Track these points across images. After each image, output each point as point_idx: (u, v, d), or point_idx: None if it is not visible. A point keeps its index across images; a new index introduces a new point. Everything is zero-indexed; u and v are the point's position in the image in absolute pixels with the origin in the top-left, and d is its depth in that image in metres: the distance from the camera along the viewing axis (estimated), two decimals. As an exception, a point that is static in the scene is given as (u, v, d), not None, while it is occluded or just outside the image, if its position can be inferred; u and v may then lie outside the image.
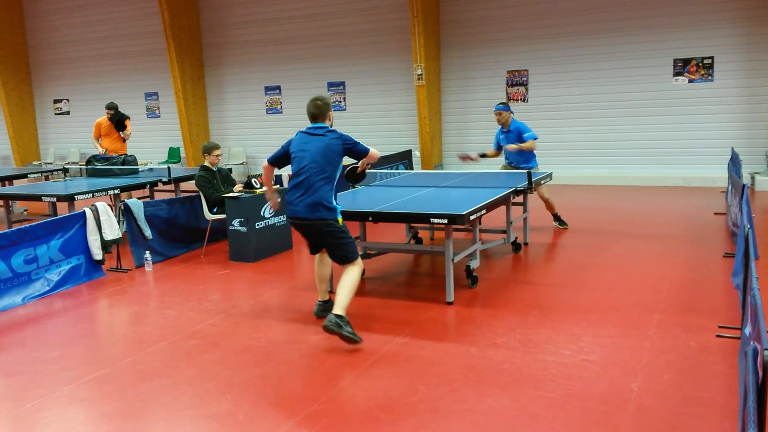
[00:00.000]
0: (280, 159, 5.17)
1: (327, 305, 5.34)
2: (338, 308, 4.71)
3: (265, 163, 5.24)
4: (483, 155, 8.35)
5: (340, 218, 4.90)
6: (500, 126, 8.30)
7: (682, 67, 12.21)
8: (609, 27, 12.61)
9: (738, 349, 4.27)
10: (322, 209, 4.81)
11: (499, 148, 8.42)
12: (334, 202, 4.90)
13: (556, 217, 8.54)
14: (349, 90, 15.18)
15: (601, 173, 12.84)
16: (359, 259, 4.96)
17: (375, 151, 5.07)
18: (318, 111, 5.05)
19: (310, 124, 5.06)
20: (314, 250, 5.32)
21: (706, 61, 12.03)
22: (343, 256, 4.91)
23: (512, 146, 8.07)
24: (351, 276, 4.85)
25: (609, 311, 5.24)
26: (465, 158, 8.41)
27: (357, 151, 5.01)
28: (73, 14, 17.88)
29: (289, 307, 5.77)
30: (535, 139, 8.11)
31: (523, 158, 8.24)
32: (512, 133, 8.16)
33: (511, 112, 8.26)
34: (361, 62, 14.88)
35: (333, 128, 5.07)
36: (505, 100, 8.50)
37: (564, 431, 3.41)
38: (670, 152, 12.45)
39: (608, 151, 12.93)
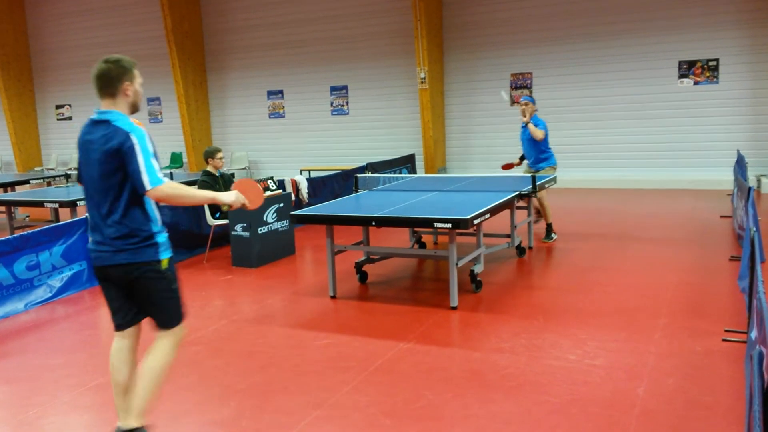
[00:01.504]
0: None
1: None
2: (132, 417, 3.28)
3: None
4: (522, 157, 8.42)
5: (164, 258, 3.32)
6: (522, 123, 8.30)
7: (687, 69, 12.18)
8: (613, 30, 12.59)
9: (744, 353, 4.23)
10: (129, 246, 3.19)
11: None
12: (152, 231, 3.27)
13: (549, 228, 8.14)
14: (352, 94, 15.18)
15: (607, 176, 12.80)
16: (179, 327, 3.37)
17: (165, 190, 3.13)
18: (105, 80, 3.24)
19: (98, 108, 3.31)
20: (121, 320, 3.35)
21: (711, 63, 12.00)
22: (165, 318, 3.32)
23: (527, 120, 8.02)
24: (161, 354, 3.29)
25: (614, 315, 5.21)
26: (508, 167, 8.42)
27: (130, 170, 3.11)
28: (75, 20, 17.93)
29: (293, 312, 5.75)
30: (544, 130, 8.01)
31: (541, 154, 8.12)
32: (527, 130, 8.21)
33: (535, 107, 8.23)
34: (363, 66, 14.88)
35: (124, 116, 3.23)
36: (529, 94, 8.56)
37: (569, 437, 3.38)
38: (675, 155, 12.41)
39: (613, 153, 12.89)
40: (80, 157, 3.35)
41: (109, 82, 3.23)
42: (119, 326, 3.36)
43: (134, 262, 3.22)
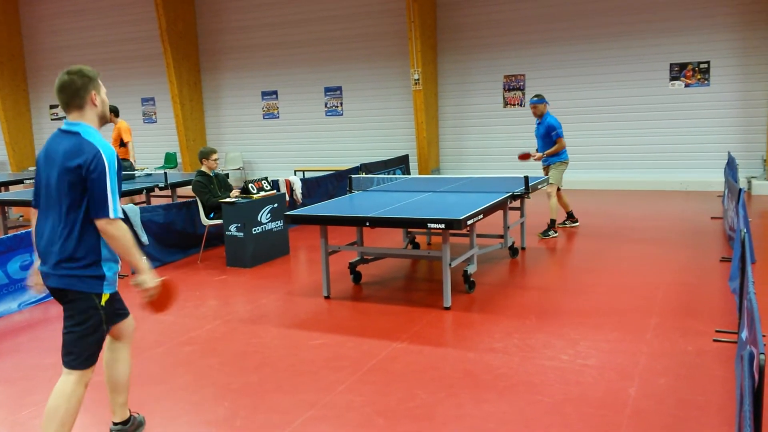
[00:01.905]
0: (36, 193, 3.20)
1: (128, 427, 3.52)
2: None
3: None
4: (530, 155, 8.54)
5: (105, 293, 3.09)
6: (536, 117, 8.52)
7: (678, 71, 12.25)
8: (605, 32, 12.65)
9: (735, 354, 4.27)
10: (67, 270, 2.99)
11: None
12: (100, 259, 3.06)
13: (551, 224, 8.38)
14: (346, 95, 15.20)
15: (598, 178, 12.85)
16: (89, 370, 3.15)
17: (121, 226, 3.00)
18: (70, 92, 3.07)
19: (66, 120, 3.17)
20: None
21: (702, 66, 12.07)
22: (70, 355, 3.10)
23: (539, 155, 8.42)
24: (62, 393, 3.09)
25: (606, 315, 5.24)
26: (524, 157, 8.51)
27: (94, 192, 2.94)
28: (69, 19, 17.88)
29: (287, 312, 5.76)
30: (562, 136, 8.30)
31: (554, 155, 8.42)
32: (542, 125, 8.40)
33: (547, 104, 8.43)
34: (358, 67, 14.90)
35: (95, 130, 3.11)
36: (540, 94, 8.63)
37: (561, 436, 3.41)
38: (666, 156, 12.47)
39: (605, 155, 12.95)
40: (41, 167, 3.12)
41: (75, 93, 3.05)
42: None
43: (73, 289, 3.01)
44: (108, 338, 3.37)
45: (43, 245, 3.06)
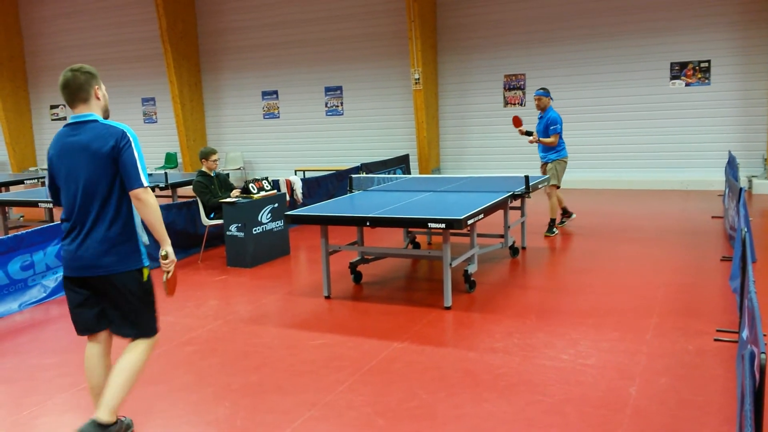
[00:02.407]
0: (54, 190, 3.43)
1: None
2: (105, 411, 3.27)
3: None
4: (529, 133, 8.53)
5: (146, 267, 3.41)
6: (539, 110, 8.53)
7: (678, 70, 12.24)
8: (605, 31, 12.64)
9: (735, 353, 4.27)
10: (113, 255, 3.25)
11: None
12: (137, 242, 3.39)
13: (551, 223, 8.41)
14: (346, 94, 15.20)
15: (599, 177, 12.85)
16: (157, 335, 3.50)
17: (150, 193, 3.26)
18: (74, 87, 3.24)
19: (73, 114, 3.30)
20: (87, 327, 3.43)
21: (702, 65, 12.07)
22: (141, 327, 3.39)
23: (533, 139, 8.41)
24: (134, 357, 3.35)
25: (607, 315, 5.24)
26: (517, 123, 8.56)
27: (126, 166, 3.17)
28: (69, 20, 17.89)
29: (287, 312, 5.76)
30: (558, 133, 8.31)
31: (553, 151, 8.41)
32: (542, 120, 8.39)
33: (551, 99, 8.44)
34: (358, 67, 14.90)
35: (109, 121, 3.33)
36: (546, 87, 8.64)
37: (562, 436, 3.40)
38: (667, 156, 12.47)
39: (606, 154, 12.94)
40: (60, 162, 3.26)
41: (80, 87, 3.25)
42: (90, 331, 3.44)
43: (123, 270, 3.29)
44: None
45: (81, 237, 3.23)
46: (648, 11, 12.28)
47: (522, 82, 13.51)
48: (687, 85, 12.22)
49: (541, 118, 8.47)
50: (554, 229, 8.39)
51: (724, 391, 3.80)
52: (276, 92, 15.97)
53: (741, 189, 6.49)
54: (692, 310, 5.29)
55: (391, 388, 4.05)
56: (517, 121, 8.60)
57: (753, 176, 11.72)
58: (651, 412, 3.60)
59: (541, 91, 8.46)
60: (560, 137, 8.36)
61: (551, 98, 8.48)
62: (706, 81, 12.08)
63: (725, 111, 12.03)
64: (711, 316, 5.08)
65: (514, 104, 13.57)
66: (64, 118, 18.65)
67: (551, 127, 8.26)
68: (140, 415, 3.85)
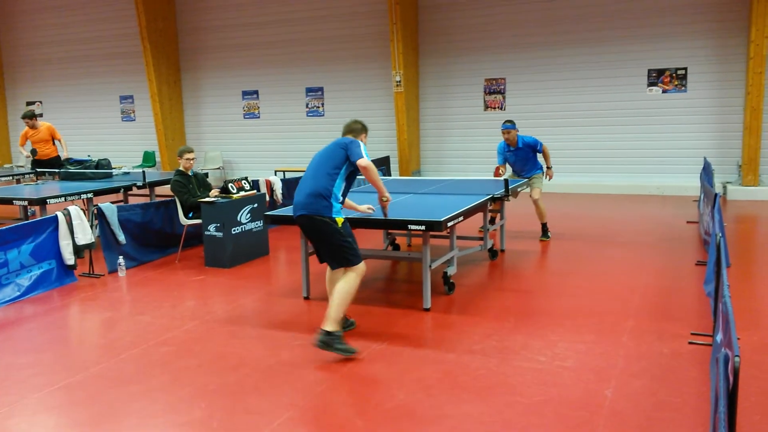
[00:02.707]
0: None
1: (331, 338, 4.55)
2: (328, 323, 4.49)
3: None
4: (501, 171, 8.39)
5: (340, 218, 4.65)
6: (504, 142, 8.29)
7: (656, 77, 12.40)
8: (585, 37, 12.77)
9: (709, 356, 4.33)
10: (323, 200, 4.61)
11: (504, 162, 8.44)
12: (333, 201, 4.66)
13: (544, 228, 8.42)
14: (327, 96, 15.17)
15: (576, 181, 12.96)
16: (361, 265, 4.68)
17: (371, 169, 4.69)
18: (351, 127, 5.08)
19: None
20: (320, 258, 4.90)
21: (680, 72, 12.24)
22: (341, 258, 4.65)
23: (552, 172, 8.46)
24: (346, 283, 4.59)
25: (584, 318, 5.29)
26: (498, 175, 8.33)
27: (351, 149, 4.76)
28: (47, 15, 17.65)
29: (265, 313, 5.73)
30: (537, 145, 8.31)
31: (536, 167, 8.42)
32: (522, 150, 8.24)
33: (517, 129, 8.32)
34: (339, 68, 14.88)
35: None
36: (511, 119, 8.53)
37: (539, 437, 3.42)
38: (644, 161, 12.62)
39: (583, 159, 13.07)
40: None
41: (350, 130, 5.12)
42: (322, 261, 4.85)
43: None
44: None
45: (302, 191, 4.85)
46: (627, 18, 12.43)
47: (502, 86, 13.59)
48: (664, 92, 12.39)
49: (514, 150, 8.25)
50: (548, 233, 8.41)
51: (699, 393, 3.86)
52: (256, 92, 15.90)
53: (716, 195, 6.58)
54: (668, 313, 5.35)
55: (370, 389, 4.05)
56: (497, 173, 8.37)
57: (728, 182, 11.90)
58: (627, 413, 3.64)
59: (509, 124, 8.23)
60: (537, 157, 8.42)
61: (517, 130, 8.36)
62: (683, 88, 12.26)
63: (701, 118, 12.22)
64: (686, 320, 5.15)
65: (494, 108, 13.65)
66: (41, 115, 18.36)
67: (538, 146, 8.23)
68: (114, 416, 3.80)
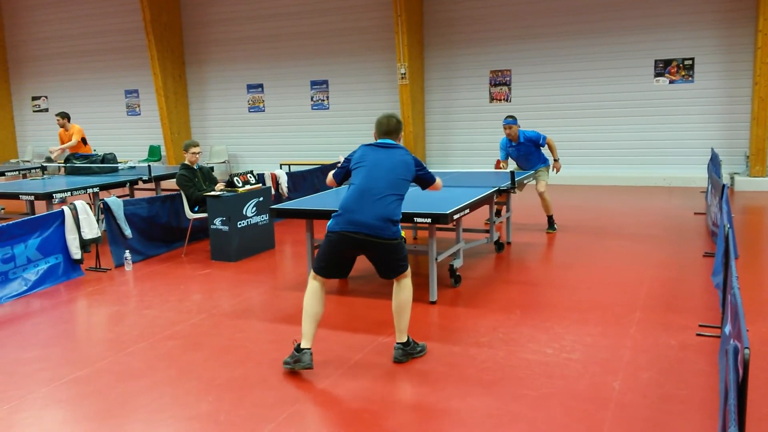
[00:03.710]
0: (343, 177, 4.73)
1: (408, 349, 4.42)
2: (403, 335, 4.39)
3: (330, 177, 4.83)
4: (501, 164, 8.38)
5: (402, 233, 4.49)
6: (507, 138, 8.25)
7: (663, 68, 12.32)
8: (591, 28, 12.69)
9: (717, 348, 4.31)
10: (392, 226, 4.28)
11: (506, 157, 8.40)
12: (399, 223, 4.43)
13: (550, 220, 8.39)
14: (332, 89, 15.14)
15: (583, 173, 12.92)
16: (409, 269, 4.47)
17: (440, 182, 4.77)
18: (391, 128, 4.57)
19: (378, 140, 4.59)
20: (332, 272, 4.43)
21: (686, 62, 12.16)
22: (400, 267, 4.38)
23: (559, 165, 8.38)
24: (408, 291, 4.41)
25: (590, 310, 5.27)
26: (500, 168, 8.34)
27: (424, 178, 4.64)
28: (52, 10, 17.65)
29: (272, 306, 5.73)
30: (540, 139, 8.22)
31: (540, 160, 8.33)
32: (524, 144, 8.17)
33: (519, 125, 8.25)
34: (344, 61, 14.84)
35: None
36: (512, 114, 8.44)
37: (546, 430, 3.41)
38: (650, 152, 12.56)
39: (590, 151, 13.02)
40: None
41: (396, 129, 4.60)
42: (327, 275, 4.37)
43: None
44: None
45: (374, 209, 4.31)
46: (633, 8, 12.35)
47: (508, 78, 13.53)
48: (671, 82, 12.31)
49: (516, 145, 8.19)
50: (555, 226, 8.38)
51: (707, 386, 3.84)
52: (261, 85, 15.88)
53: (723, 186, 6.54)
54: (675, 305, 5.33)
55: (376, 383, 4.05)
56: (498, 166, 8.39)
57: (735, 173, 11.84)
58: (634, 406, 3.63)
59: (510, 119, 8.14)
60: (541, 151, 8.34)
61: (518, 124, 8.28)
62: (690, 78, 12.17)
63: (708, 108, 12.14)
64: (693, 312, 5.12)
65: (500, 100, 13.59)
66: (46, 110, 18.44)
67: (541, 140, 8.15)
68: (122, 409, 3.81)
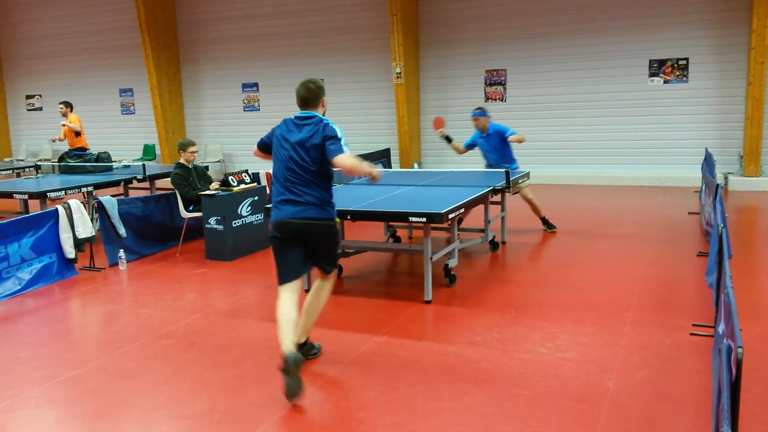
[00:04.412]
0: (265, 146, 4.42)
1: (306, 348, 4.39)
2: (304, 336, 4.32)
3: (255, 148, 4.52)
4: (449, 140, 8.18)
5: (337, 219, 4.21)
6: (478, 130, 8.23)
7: (657, 68, 12.35)
8: (586, 28, 12.72)
9: (711, 347, 4.33)
10: (319, 208, 4.03)
11: (469, 147, 8.36)
12: (332, 200, 4.16)
13: (544, 221, 8.36)
14: (327, 88, 14.95)
15: (577, 173, 12.94)
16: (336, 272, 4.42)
17: (353, 166, 3.94)
18: (309, 95, 4.18)
19: (299, 112, 4.22)
20: (291, 274, 4.15)
21: (681, 62, 12.19)
22: (333, 263, 4.28)
23: (515, 137, 7.91)
24: (328, 294, 4.34)
25: (585, 309, 5.28)
26: (439, 125, 8.08)
27: (328, 149, 4.02)
28: (46, 8, 17.59)
29: (266, 305, 5.72)
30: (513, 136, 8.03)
31: (505, 160, 8.16)
32: (492, 136, 8.10)
33: (489, 117, 8.20)
34: (339, 60, 14.83)
35: (324, 118, 4.22)
36: (481, 105, 8.31)
37: (541, 429, 3.42)
38: (645, 152, 12.59)
39: (584, 150, 13.04)
40: None
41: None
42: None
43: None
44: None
45: (297, 195, 4.12)
46: (628, 8, 12.37)
47: (503, 78, 13.54)
48: (665, 82, 12.34)
49: (486, 136, 8.12)
50: (552, 225, 8.31)
51: (700, 385, 3.85)
52: (257, 84, 15.85)
53: (717, 185, 6.57)
54: (669, 304, 5.35)
55: (370, 382, 4.05)
56: (439, 122, 8.10)
57: (729, 173, 11.88)
58: (628, 405, 3.64)
59: (478, 111, 8.10)
60: (511, 149, 8.11)
61: (489, 116, 8.17)
62: (684, 78, 12.21)
63: (702, 108, 12.17)
64: (687, 311, 5.14)
65: (495, 99, 13.60)
66: (41, 108, 18.38)
67: (508, 133, 7.96)
68: (116, 409, 3.80)
